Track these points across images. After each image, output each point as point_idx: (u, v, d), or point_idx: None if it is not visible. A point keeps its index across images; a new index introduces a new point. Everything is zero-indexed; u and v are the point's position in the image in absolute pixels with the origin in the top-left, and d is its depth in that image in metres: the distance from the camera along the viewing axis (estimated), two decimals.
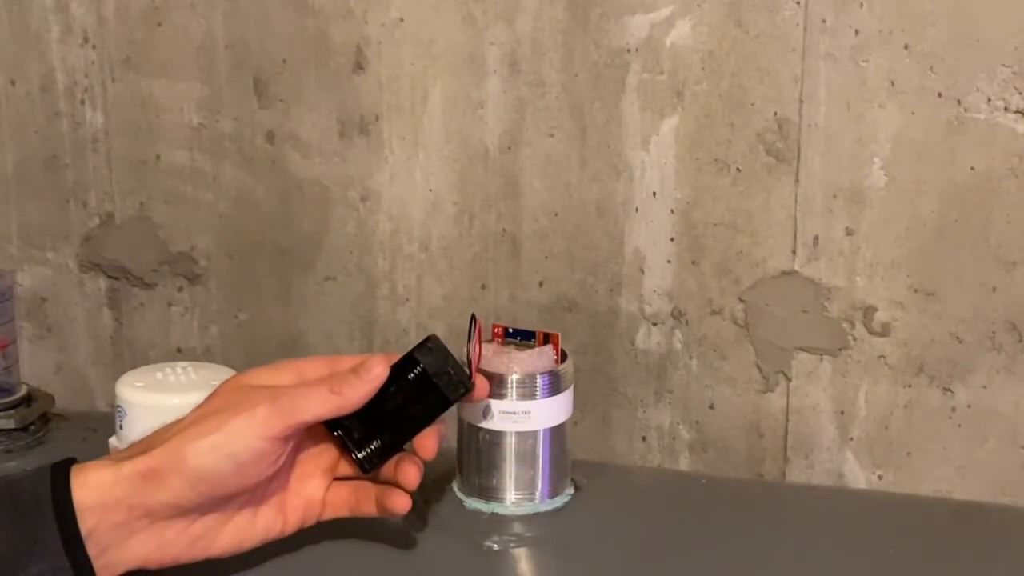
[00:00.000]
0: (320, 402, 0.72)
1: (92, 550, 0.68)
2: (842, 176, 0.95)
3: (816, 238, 0.96)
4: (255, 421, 0.70)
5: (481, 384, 0.79)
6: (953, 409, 0.96)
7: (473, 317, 0.80)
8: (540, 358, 0.84)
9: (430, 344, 0.76)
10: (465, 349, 0.80)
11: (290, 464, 0.75)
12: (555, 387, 0.83)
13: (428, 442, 0.77)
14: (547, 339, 0.85)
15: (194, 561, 0.73)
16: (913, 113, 0.92)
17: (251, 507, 0.74)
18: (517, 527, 0.83)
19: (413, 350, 0.76)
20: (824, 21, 0.93)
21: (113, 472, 0.70)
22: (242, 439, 0.70)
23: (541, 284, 1.04)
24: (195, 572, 0.73)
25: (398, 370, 0.76)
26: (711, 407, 1.02)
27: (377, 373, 0.74)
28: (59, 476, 0.69)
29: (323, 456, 0.77)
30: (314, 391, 0.73)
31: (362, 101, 1.05)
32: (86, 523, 0.68)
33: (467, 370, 0.78)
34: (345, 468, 0.78)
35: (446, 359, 0.76)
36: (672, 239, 1.00)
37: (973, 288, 0.94)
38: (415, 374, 0.76)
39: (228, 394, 0.74)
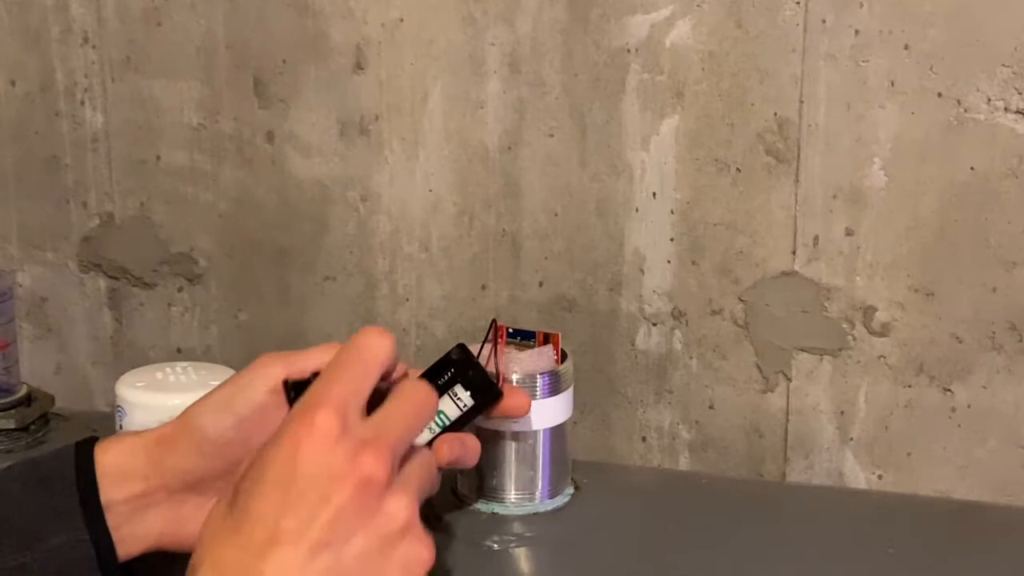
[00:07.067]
0: (326, 352, 0.71)
1: (110, 522, 0.68)
2: (842, 176, 0.95)
3: (816, 238, 0.96)
4: (255, 372, 0.71)
5: (518, 400, 0.79)
6: (953, 409, 0.96)
7: (494, 322, 0.80)
8: (540, 358, 0.83)
9: (459, 352, 0.75)
10: (481, 353, 0.80)
11: None
12: (555, 387, 0.83)
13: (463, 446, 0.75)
14: (547, 339, 0.84)
15: None
16: (913, 113, 0.92)
17: None
18: (517, 527, 0.83)
19: (442, 358, 0.76)
20: (824, 21, 0.93)
21: (132, 441, 0.71)
22: (243, 392, 0.70)
23: (541, 284, 1.04)
24: None
25: (427, 377, 0.75)
26: (711, 407, 1.02)
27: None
28: (83, 451, 0.70)
29: None
30: (322, 346, 0.72)
31: (362, 101, 1.05)
32: (106, 493, 0.69)
33: (495, 379, 0.78)
34: None
35: (475, 367, 0.75)
36: (672, 239, 1.00)
37: (973, 288, 0.94)
38: (444, 380, 0.75)
39: None
